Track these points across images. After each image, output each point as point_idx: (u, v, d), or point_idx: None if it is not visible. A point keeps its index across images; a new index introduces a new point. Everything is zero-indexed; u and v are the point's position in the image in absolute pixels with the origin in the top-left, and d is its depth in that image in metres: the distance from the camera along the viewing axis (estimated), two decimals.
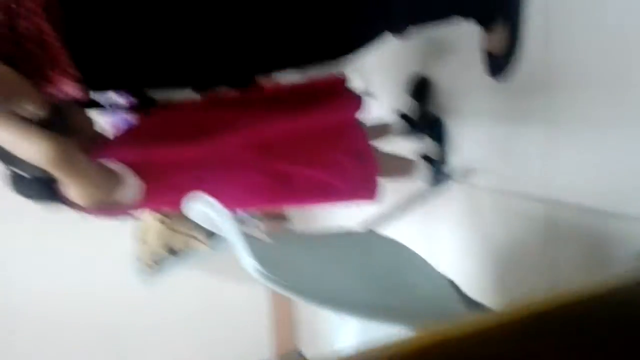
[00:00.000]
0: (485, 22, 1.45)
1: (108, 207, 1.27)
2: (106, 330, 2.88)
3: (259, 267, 0.76)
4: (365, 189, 1.49)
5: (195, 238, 2.33)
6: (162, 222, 2.24)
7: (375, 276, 0.88)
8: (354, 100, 1.57)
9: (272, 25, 1.13)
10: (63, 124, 1.23)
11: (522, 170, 1.51)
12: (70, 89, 1.03)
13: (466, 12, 1.42)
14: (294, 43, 1.18)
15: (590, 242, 1.28)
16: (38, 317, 2.78)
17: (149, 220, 2.28)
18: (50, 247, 2.73)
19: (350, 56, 1.39)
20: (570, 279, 1.30)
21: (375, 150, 1.63)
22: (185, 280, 2.89)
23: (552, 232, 1.42)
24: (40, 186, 1.27)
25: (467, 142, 1.71)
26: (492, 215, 1.65)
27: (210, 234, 2.34)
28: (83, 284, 2.82)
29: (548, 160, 1.42)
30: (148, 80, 1.20)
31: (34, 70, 0.98)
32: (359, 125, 1.54)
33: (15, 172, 1.28)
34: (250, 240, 0.84)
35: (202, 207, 0.95)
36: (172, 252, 2.30)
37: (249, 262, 0.78)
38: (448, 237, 1.84)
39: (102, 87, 1.37)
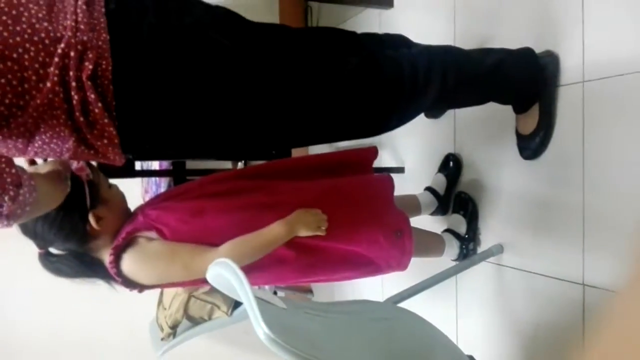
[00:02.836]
0: (520, 108, 1.46)
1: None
2: None
3: (269, 333, 0.72)
4: (398, 263, 1.46)
5: (217, 307, 2.28)
6: (184, 289, 2.21)
7: (394, 352, 0.83)
8: (385, 179, 1.58)
9: (310, 108, 1.15)
10: (95, 196, 1.27)
11: (556, 251, 1.45)
12: (113, 157, 1.06)
13: (503, 101, 1.44)
14: (329, 124, 1.20)
15: None
16: None
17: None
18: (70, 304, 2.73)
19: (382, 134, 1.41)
20: None
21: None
22: (200, 349, 2.81)
23: (588, 317, 1.34)
24: (77, 261, 1.28)
25: (497, 220, 1.67)
26: (522, 295, 1.57)
27: (232, 305, 2.29)
28: (95, 345, 2.78)
29: (584, 241, 1.36)
30: (186, 151, 1.23)
31: (80, 141, 1.01)
32: (394, 206, 1.54)
33: (47, 250, 1.30)
34: (265, 306, 0.81)
35: (218, 268, 0.93)
36: (192, 319, 2.25)
37: (259, 328, 0.75)
38: (474, 315, 1.76)
39: (141, 156, 1.39)
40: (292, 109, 1.13)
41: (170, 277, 1.27)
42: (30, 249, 1.29)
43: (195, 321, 2.28)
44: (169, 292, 2.24)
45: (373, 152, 1.63)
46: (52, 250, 1.28)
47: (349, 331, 0.89)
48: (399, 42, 1.35)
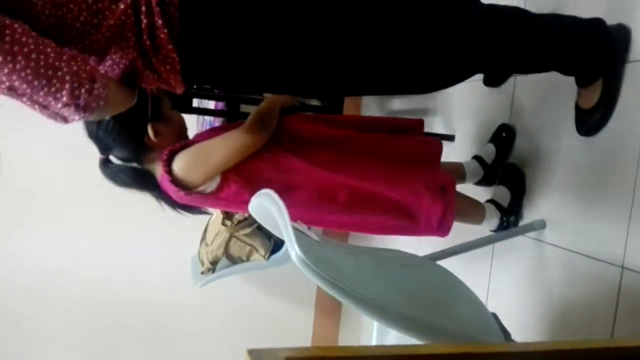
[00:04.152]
0: (583, 81, 1.42)
1: (196, 195, 1.36)
2: (145, 324, 2.96)
3: (301, 255, 0.76)
4: (439, 224, 1.47)
5: (256, 250, 2.36)
6: (227, 228, 2.30)
7: (418, 295, 0.86)
8: (434, 142, 1.60)
9: (380, 51, 1.15)
10: (156, 110, 1.35)
11: (599, 232, 1.42)
12: (174, 83, 1.12)
13: (566, 70, 1.40)
14: (395, 72, 1.20)
15: None
16: (84, 303, 2.90)
17: (217, 223, 2.35)
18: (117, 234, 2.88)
19: (438, 90, 1.41)
20: None
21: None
22: (235, 288, 2.94)
23: (622, 300, 1.32)
24: (132, 172, 1.38)
25: (543, 196, 1.64)
26: (557, 272, 1.55)
27: (270, 250, 2.36)
28: (139, 272, 2.94)
29: (629, 225, 1.33)
30: (243, 84, 1.27)
31: (146, 64, 1.06)
32: (439, 166, 1.56)
33: (107, 159, 1.40)
34: (300, 235, 0.85)
35: (260, 199, 0.97)
36: (231, 258, 2.34)
37: (294, 251, 0.79)
38: (508, 286, 1.76)
39: (198, 87, 1.44)
40: (350, 48, 1.13)
41: (214, 155, 1.33)
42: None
43: (234, 260, 2.38)
44: (213, 228, 2.34)
45: (421, 123, 1.68)
46: (112, 159, 1.39)
47: (378, 270, 0.92)
48: None
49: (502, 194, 1.73)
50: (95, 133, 1.34)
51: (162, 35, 1.03)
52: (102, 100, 0.97)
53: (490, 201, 1.73)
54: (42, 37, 0.94)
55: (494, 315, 1.00)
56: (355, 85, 1.26)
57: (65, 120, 0.99)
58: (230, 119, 1.98)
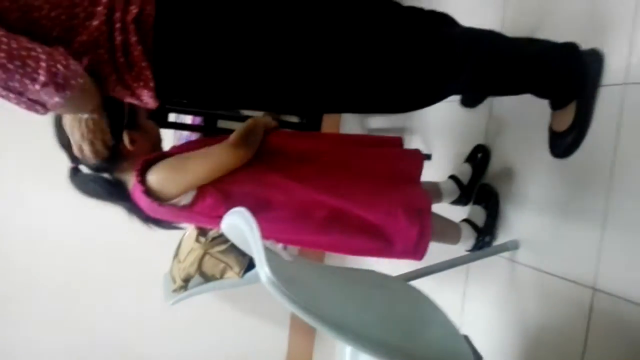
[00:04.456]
0: (557, 104, 1.44)
1: (169, 208, 1.32)
2: (114, 342, 2.91)
3: (271, 275, 0.74)
4: (415, 247, 1.46)
5: (230, 267, 2.32)
6: (201, 244, 2.26)
7: (389, 316, 0.84)
8: (415, 155, 1.60)
9: (357, 69, 1.15)
10: (132, 119, 1.32)
11: (571, 254, 1.43)
12: (147, 99, 1.10)
13: (541, 93, 1.41)
14: (373, 90, 1.20)
15: (633, 337, 1.18)
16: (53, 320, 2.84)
17: (190, 240, 2.31)
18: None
19: (414, 110, 1.42)
20: None
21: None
22: (208, 306, 2.89)
23: (594, 322, 1.33)
24: (102, 182, 1.34)
25: (517, 216, 1.65)
26: (531, 294, 1.56)
27: (244, 267, 2.33)
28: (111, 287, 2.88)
29: (601, 248, 1.34)
30: (218, 101, 1.26)
31: (118, 80, 1.05)
32: (420, 185, 1.56)
33: (77, 169, 1.36)
34: (272, 255, 0.83)
35: (232, 217, 0.95)
36: (204, 275, 2.29)
37: (264, 273, 0.77)
38: (482, 306, 1.75)
39: (174, 102, 1.43)
40: (329, 65, 1.12)
41: (193, 169, 1.31)
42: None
43: (207, 278, 2.33)
44: (186, 245, 2.30)
45: (400, 140, 1.68)
46: (82, 168, 1.35)
47: (350, 292, 0.90)
48: (442, 20, 1.34)
49: (478, 213, 1.74)
50: (67, 141, 1.30)
51: (136, 53, 1.02)
52: (80, 77, 0.94)
53: (466, 221, 1.73)
54: None
55: (466, 338, 0.99)
56: (330, 102, 1.26)
57: (44, 107, 0.96)
58: (208, 134, 1.97)
